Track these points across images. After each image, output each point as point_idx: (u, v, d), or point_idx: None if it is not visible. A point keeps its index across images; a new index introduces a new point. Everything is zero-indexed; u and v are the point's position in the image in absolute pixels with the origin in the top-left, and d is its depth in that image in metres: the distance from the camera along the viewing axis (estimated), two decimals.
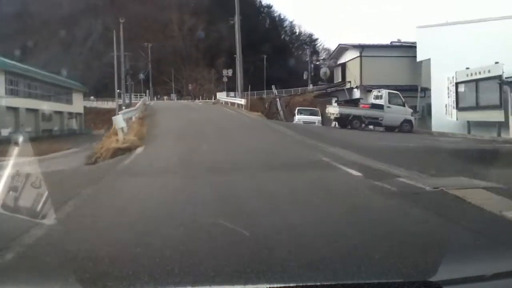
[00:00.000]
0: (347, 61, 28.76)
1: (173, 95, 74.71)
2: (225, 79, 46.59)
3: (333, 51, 30.76)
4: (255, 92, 57.45)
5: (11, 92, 38.59)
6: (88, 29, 69.03)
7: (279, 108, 29.06)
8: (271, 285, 2.19)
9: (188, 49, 79.51)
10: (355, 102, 26.32)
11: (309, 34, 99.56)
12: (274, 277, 2.63)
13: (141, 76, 44.59)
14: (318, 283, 2.01)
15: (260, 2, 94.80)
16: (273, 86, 33.90)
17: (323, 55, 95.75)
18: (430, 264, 2.68)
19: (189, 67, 75.82)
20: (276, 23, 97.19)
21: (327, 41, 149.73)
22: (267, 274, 2.68)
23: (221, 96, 45.08)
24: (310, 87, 55.53)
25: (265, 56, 74.39)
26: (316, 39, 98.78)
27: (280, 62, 76.83)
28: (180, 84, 74.89)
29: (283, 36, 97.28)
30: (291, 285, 2.20)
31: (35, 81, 43.44)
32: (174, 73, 73.35)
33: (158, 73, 75.42)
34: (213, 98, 55.60)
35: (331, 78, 32.20)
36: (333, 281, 2.59)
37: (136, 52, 72.63)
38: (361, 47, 27.22)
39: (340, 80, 29.65)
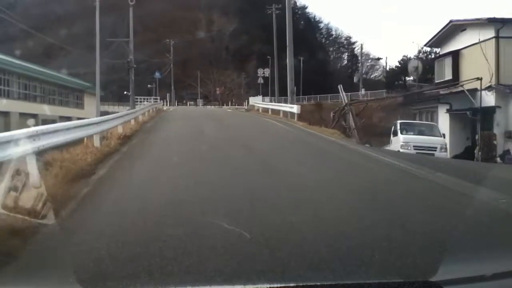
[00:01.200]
0: (466, 47, 17.14)
1: (199, 100, 64.96)
2: (260, 81, 35.35)
3: (436, 35, 19.17)
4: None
5: None
6: (113, 30, 59.96)
7: (352, 123, 17.53)
8: (271, 285, 2.12)
9: (217, 51, 69.24)
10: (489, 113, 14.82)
11: (347, 37, 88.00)
12: None
13: (157, 75, 33.44)
14: (318, 283, 2.00)
15: (295, 2, 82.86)
16: (339, 87, 22.77)
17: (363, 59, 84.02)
18: (430, 264, 2.57)
19: (217, 71, 65.54)
20: (312, 24, 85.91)
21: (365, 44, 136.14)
22: None
23: (256, 101, 34.00)
24: (362, 92, 44.08)
25: (301, 59, 62.84)
26: (355, 42, 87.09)
27: (317, 65, 65.70)
28: (207, 88, 64.33)
29: (319, 38, 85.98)
30: (291, 285, 2.09)
31: (33, 81, 34.05)
32: (201, 76, 62.83)
33: (184, 77, 65.72)
34: (244, 104, 45.23)
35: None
36: (333, 281, 2.53)
37: (161, 54, 63.78)
38: (501, 22, 15.54)
39: (448, 77, 18.07)
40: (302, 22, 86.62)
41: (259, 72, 35.90)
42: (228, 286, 2.61)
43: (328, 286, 2.09)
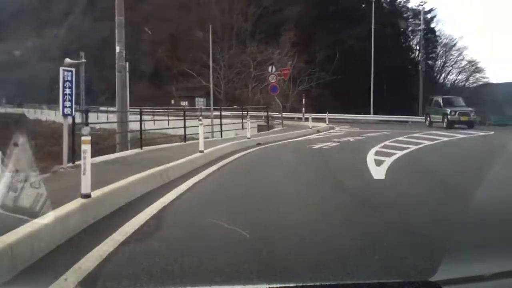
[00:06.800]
0: None
1: (200, 100, 45.13)
2: None
3: None
4: None
5: None
6: None
7: None
8: (271, 285, 2.21)
9: (227, 19, 49.03)
10: None
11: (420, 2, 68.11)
12: None
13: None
14: (318, 283, 2.14)
15: None
16: None
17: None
18: (430, 264, 2.95)
19: (229, 48, 45.56)
20: None
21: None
22: None
23: None
24: None
25: (373, 28, 42.14)
26: (431, 9, 66.71)
27: (383, 42, 45.23)
28: (213, 77, 43.63)
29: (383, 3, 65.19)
30: (291, 285, 2.20)
31: None
32: (204, 59, 41.44)
33: (173, 61, 46.52)
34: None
35: None
36: (333, 281, 2.88)
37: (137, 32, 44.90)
38: None
39: None
40: None
41: None
42: (228, 286, 2.97)
43: (328, 286, 2.30)
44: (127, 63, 11.78)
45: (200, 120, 9.17)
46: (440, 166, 8.98)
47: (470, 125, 23.16)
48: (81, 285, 2.77)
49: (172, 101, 46.93)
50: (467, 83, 60.68)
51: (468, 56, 67.35)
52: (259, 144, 13.16)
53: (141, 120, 11.04)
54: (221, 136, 15.86)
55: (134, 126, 12.47)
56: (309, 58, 44.38)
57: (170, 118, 23.98)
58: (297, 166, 9.16)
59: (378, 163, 8.36)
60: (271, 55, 40.29)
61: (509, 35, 74.72)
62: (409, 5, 66.20)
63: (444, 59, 64.41)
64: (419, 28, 68.31)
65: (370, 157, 9.32)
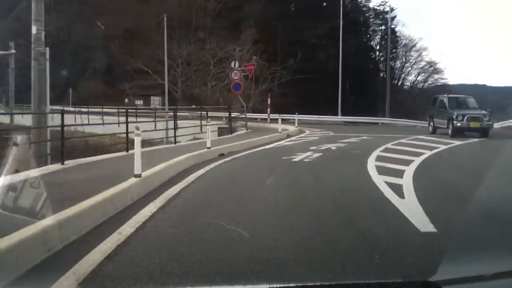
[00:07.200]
0: None
1: (156, 99, 42.60)
2: None
3: None
4: None
5: None
6: None
7: None
8: (271, 285, 2.15)
9: (185, 13, 46.57)
10: None
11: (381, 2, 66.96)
12: None
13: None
14: (318, 283, 2.05)
15: None
16: None
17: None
18: (430, 264, 2.88)
19: (187, 44, 42.56)
20: None
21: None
22: None
23: None
24: None
25: (341, 27, 40.05)
26: (392, 9, 65.82)
27: (344, 42, 43.70)
28: (169, 75, 40.38)
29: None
30: (291, 285, 2.14)
31: None
32: (160, 55, 38.17)
33: (127, 58, 43.14)
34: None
35: None
36: (333, 281, 2.79)
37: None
38: None
39: None
40: None
41: None
42: (228, 286, 2.93)
43: (328, 286, 2.23)
44: (47, 49, 8.74)
45: (137, 129, 6.14)
46: (492, 199, 5.71)
47: (483, 132, 18.51)
48: (81, 285, 2.72)
49: (126, 100, 43.91)
50: (425, 84, 60.47)
51: (428, 57, 67.21)
52: (222, 155, 10.40)
53: (63, 126, 8.05)
54: (175, 143, 12.98)
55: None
56: (271, 56, 42.17)
57: (122, 119, 20.76)
58: (282, 206, 5.38)
59: (396, 190, 5.75)
60: (232, 52, 37.39)
61: (467, 38, 75.48)
62: (371, 5, 65.60)
63: (404, 60, 63.71)
64: (380, 28, 67.84)
65: (377, 177, 6.77)
